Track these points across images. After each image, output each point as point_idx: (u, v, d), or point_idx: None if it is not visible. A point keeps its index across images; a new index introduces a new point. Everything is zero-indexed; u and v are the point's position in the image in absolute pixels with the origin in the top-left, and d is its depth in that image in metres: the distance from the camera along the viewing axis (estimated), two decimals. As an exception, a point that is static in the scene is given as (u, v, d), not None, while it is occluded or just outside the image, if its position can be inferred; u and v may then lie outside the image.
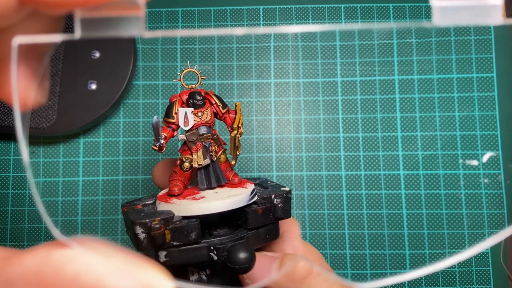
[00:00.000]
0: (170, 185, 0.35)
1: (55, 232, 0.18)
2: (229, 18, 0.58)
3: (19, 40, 0.17)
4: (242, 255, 0.29)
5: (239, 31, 0.17)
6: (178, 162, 0.35)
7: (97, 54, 0.54)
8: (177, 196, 0.34)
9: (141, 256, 0.19)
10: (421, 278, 0.53)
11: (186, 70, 0.36)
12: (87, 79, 0.53)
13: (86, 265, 0.18)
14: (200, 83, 0.36)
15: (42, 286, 0.18)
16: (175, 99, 0.35)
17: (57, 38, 0.18)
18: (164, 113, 0.35)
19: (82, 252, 0.18)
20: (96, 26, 0.17)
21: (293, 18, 0.57)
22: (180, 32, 0.18)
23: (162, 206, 0.33)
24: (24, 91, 0.19)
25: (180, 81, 0.36)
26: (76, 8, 0.17)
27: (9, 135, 0.55)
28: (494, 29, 0.56)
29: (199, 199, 0.33)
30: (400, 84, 0.56)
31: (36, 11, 0.18)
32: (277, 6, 0.58)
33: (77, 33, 0.17)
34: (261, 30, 0.16)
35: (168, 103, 0.35)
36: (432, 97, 0.56)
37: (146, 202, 0.35)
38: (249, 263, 0.29)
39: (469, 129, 0.55)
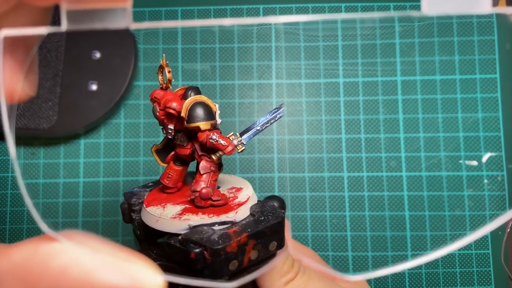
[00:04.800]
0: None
1: (43, 226, 0.18)
2: (229, 17, 0.57)
3: (4, 33, 0.17)
4: (275, 203, 0.31)
5: (226, 21, 0.16)
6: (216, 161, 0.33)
7: (98, 55, 0.54)
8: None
9: (130, 250, 0.19)
10: (422, 278, 0.53)
11: (161, 65, 0.32)
12: (88, 79, 0.53)
13: (74, 259, 0.18)
14: (168, 86, 0.33)
15: (29, 280, 0.17)
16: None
17: (43, 30, 0.17)
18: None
19: (69, 246, 0.18)
20: (83, 18, 0.17)
21: (294, 18, 0.57)
22: (166, 23, 0.18)
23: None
24: (11, 84, 0.19)
25: (158, 77, 0.33)
26: (62, 0, 0.17)
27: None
28: (498, 29, 0.55)
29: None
30: (403, 85, 0.56)
31: (22, 2, 0.18)
32: (277, 5, 0.57)
33: (63, 26, 0.17)
34: (247, 20, 0.16)
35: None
36: (434, 98, 0.55)
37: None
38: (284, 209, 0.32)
39: (472, 131, 0.54)
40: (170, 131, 0.32)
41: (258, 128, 0.34)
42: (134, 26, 0.17)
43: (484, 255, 0.53)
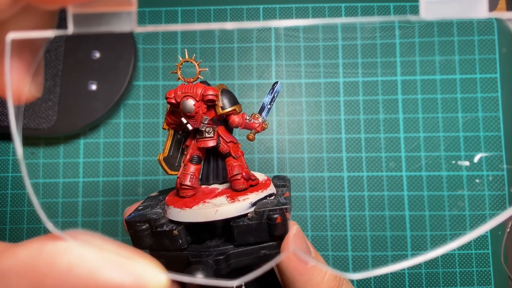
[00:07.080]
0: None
1: (49, 225, 0.19)
2: (229, 17, 0.57)
3: (12, 35, 0.18)
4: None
5: (227, 25, 0.17)
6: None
7: (98, 55, 0.54)
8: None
9: (134, 249, 0.19)
10: (422, 278, 0.53)
11: (184, 60, 0.33)
12: (88, 79, 0.53)
13: (79, 257, 0.18)
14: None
15: (35, 278, 0.18)
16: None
17: (50, 33, 0.18)
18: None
19: (75, 245, 0.18)
20: (89, 21, 0.17)
21: (293, 17, 0.57)
22: (170, 27, 0.18)
23: None
24: (18, 86, 0.19)
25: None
26: (68, 3, 0.17)
27: (8, 135, 0.55)
28: (498, 29, 0.55)
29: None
30: (403, 85, 0.55)
31: (30, 5, 0.18)
32: (277, 6, 0.57)
33: (70, 29, 0.17)
34: (247, 24, 0.16)
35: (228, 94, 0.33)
36: (435, 98, 0.55)
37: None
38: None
39: (472, 130, 0.54)
40: (205, 122, 0.32)
41: (269, 106, 0.36)
42: (139, 29, 0.17)
43: (484, 255, 0.53)
